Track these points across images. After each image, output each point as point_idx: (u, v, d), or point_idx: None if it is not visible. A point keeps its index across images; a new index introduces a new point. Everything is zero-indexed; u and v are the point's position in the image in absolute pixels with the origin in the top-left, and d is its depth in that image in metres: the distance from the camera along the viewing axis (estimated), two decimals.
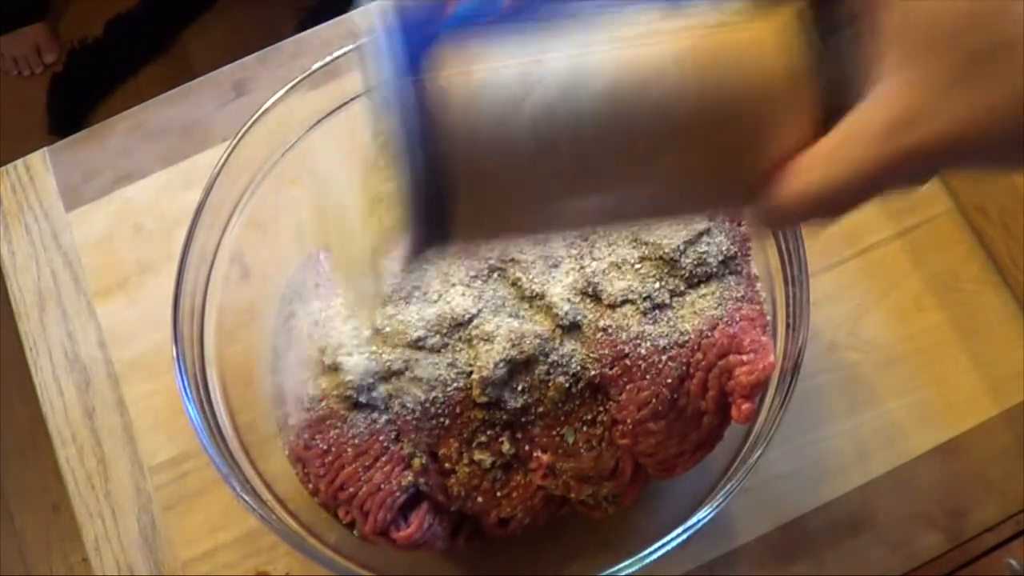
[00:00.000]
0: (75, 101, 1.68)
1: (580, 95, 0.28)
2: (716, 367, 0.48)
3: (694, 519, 0.47)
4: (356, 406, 0.49)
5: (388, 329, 0.50)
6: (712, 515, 0.46)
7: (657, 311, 0.49)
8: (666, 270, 0.49)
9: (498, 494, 0.49)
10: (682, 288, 0.49)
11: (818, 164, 0.29)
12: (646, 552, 0.46)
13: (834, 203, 0.30)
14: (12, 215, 0.66)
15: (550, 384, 0.48)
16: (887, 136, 0.28)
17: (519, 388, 0.48)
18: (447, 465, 0.49)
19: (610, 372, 0.48)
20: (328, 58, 0.56)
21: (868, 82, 0.29)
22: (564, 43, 0.29)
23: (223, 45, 1.67)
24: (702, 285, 0.50)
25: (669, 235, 0.50)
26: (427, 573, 0.55)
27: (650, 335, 0.48)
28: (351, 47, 0.56)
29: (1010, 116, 0.27)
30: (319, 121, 0.58)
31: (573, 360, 0.49)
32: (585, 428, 0.49)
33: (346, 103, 0.59)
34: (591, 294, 0.49)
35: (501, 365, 0.48)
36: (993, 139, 0.27)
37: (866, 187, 0.29)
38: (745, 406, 0.50)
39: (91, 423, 0.61)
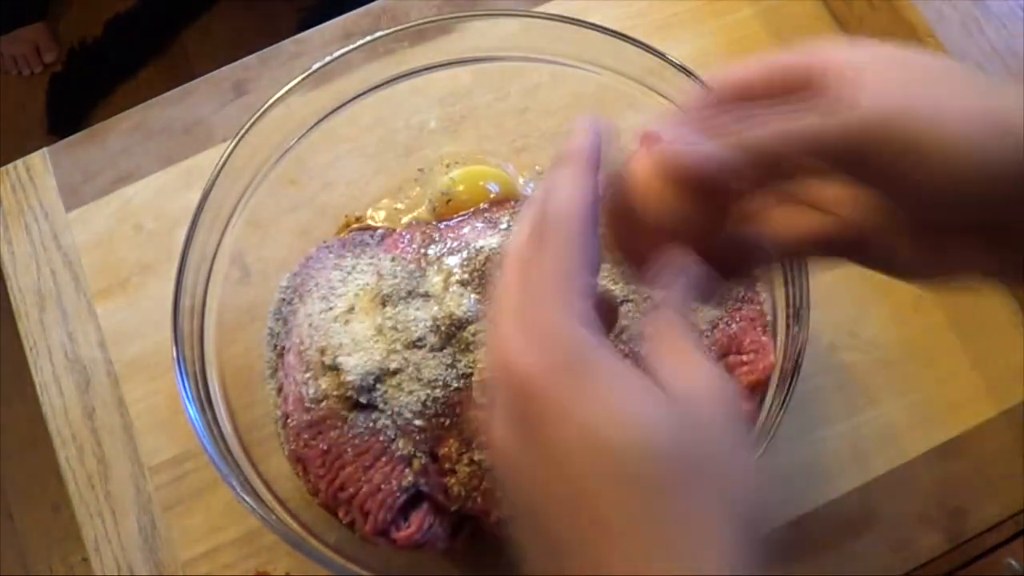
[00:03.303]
0: (75, 101, 1.68)
1: None
2: None
3: None
4: (356, 406, 0.49)
5: (388, 329, 0.50)
6: None
7: None
8: None
9: (498, 494, 0.49)
10: None
11: None
12: None
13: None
14: (12, 215, 0.66)
15: None
16: None
17: None
18: (447, 465, 0.49)
19: None
20: (328, 58, 0.56)
21: None
22: None
23: (223, 45, 1.67)
24: None
25: None
26: (427, 573, 0.55)
27: None
28: (351, 47, 0.56)
29: None
30: (319, 121, 0.59)
31: None
32: None
33: (346, 103, 0.59)
34: None
35: None
36: None
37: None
38: (745, 406, 0.50)
39: (91, 423, 0.61)
